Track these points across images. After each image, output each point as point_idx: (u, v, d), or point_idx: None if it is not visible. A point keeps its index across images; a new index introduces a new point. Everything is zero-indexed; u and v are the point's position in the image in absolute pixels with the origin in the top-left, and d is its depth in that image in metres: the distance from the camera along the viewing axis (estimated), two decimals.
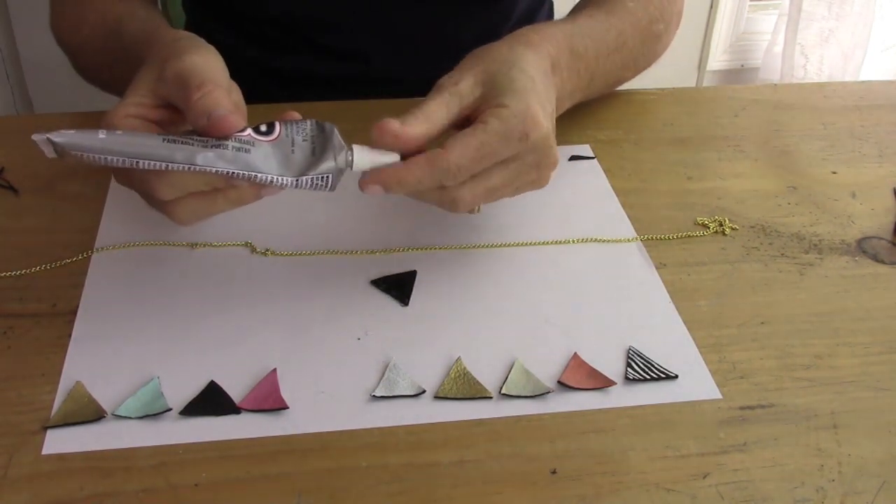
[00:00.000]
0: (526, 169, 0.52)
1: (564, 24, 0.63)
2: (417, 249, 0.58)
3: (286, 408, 0.47)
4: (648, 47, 0.71)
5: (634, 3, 0.69)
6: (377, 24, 0.81)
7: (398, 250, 0.58)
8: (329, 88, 0.79)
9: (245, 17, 0.83)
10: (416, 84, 0.80)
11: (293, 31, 0.82)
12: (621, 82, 0.72)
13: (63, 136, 0.44)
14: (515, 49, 0.56)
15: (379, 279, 0.55)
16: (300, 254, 0.57)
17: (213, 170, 0.46)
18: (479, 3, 0.83)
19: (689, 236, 0.60)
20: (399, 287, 0.55)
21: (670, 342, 0.52)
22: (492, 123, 0.50)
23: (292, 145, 0.48)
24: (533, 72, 0.54)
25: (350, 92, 0.75)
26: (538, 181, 0.54)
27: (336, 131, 0.49)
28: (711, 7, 1.90)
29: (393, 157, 0.50)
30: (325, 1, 0.79)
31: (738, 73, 2.06)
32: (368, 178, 0.50)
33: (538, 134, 0.51)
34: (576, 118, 0.71)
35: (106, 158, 0.45)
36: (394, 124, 0.50)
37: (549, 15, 0.96)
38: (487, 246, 0.59)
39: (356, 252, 0.57)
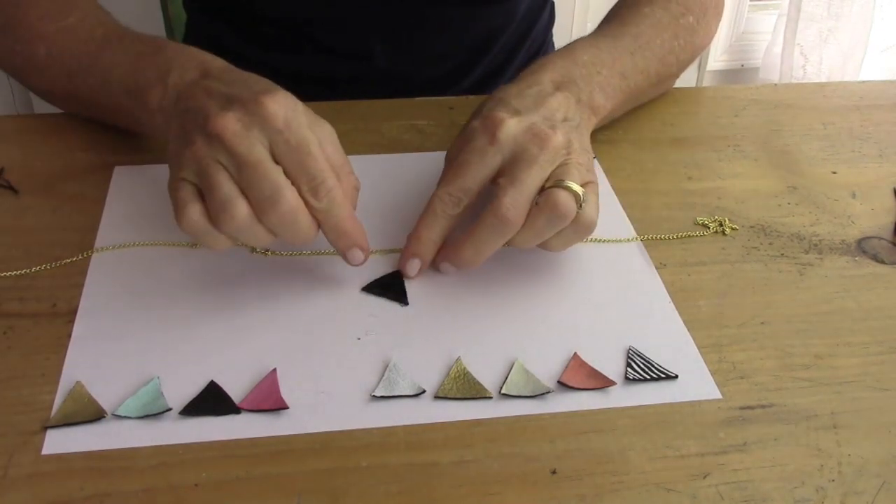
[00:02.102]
0: (540, 162, 0.52)
1: (561, 50, 0.64)
2: None
3: (286, 408, 0.47)
4: (685, 40, 0.71)
5: (650, 8, 0.70)
6: (380, 24, 0.81)
7: (399, 250, 0.57)
8: (331, 87, 0.79)
9: (246, 15, 0.83)
10: (418, 83, 0.81)
11: (294, 31, 0.82)
12: (670, 76, 0.72)
13: None
14: (504, 87, 0.59)
15: (369, 285, 0.55)
16: (300, 254, 0.57)
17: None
18: (483, 3, 0.83)
19: (689, 236, 0.60)
20: (390, 289, 0.55)
21: (670, 342, 0.52)
22: (464, 144, 0.54)
23: None
24: (507, 96, 0.56)
25: (352, 91, 0.75)
26: (567, 167, 0.53)
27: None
28: None
29: None
30: (329, 0, 0.79)
31: (737, 73, 2.06)
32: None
33: (503, 131, 0.53)
34: None
35: None
36: (409, 252, 0.55)
37: (551, 16, 0.96)
38: None
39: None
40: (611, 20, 0.70)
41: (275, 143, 0.49)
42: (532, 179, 0.52)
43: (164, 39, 0.61)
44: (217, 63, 0.57)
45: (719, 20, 0.77)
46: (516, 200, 0.51)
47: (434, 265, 0.55)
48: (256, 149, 0.49)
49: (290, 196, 0.48)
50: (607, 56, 0.64)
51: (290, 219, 0.49)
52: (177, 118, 0.53)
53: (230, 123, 0.49)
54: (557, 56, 0.62)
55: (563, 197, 0.51)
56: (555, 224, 0.52)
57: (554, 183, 0.52)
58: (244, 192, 0.48)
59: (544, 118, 0.55)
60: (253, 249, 0.57)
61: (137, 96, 0.57)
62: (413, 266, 0.55)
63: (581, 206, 0.52)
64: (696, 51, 0.74)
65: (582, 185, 0.52)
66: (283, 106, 0.50)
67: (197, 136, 0.49)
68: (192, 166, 0.49)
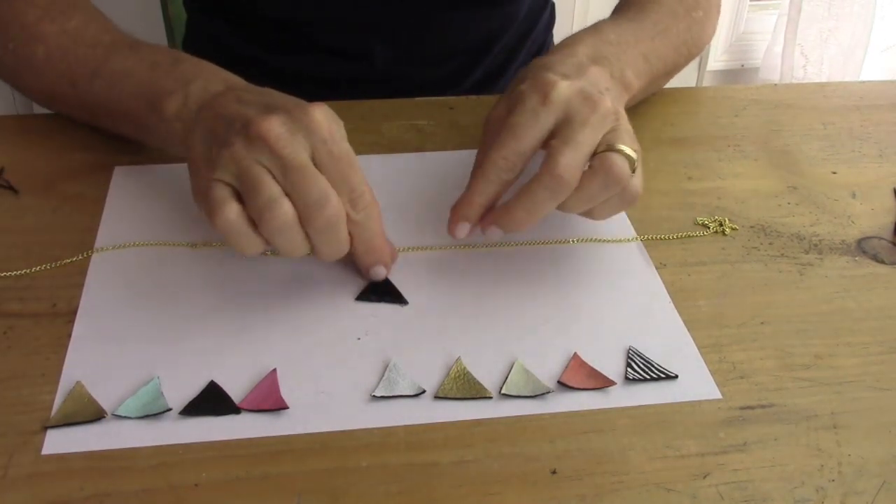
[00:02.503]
0: (593, 124, 0.52)
1: (588, 29, 0.64)
2: (418, 249, 0.58)
3: (286, 408, 0.47)
4: (695, 32, 0.72)
5: None
6: (381, 25, 0.81)
7: (399, 250, 0.57)
8: (331, 88, 0.79)
9: (246, 16, 0.83)
10: (419, 84, 0.81)
11: (295, 31, 0.82)
12: (678, 67, 0.73)
13: None
14: (540, 59, 0.59)
15: (363, 293, 0.54)
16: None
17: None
18: (485, 5, 0.83)
19: (689, 236, 0.60)
20: (386, 293, 0.54)
21: (670, 342, 0.52)
22: (514, 107, 0.54)
23: None
24: (555, 63, 0.56)
25: (352, 92, 0.75)
26: (618, 132, 0.53)
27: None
28: None
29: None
30: (329, 1, 0.79)
31: (738, 73, 2.06)
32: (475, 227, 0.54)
33: (557, 92, 0.53)
34: None
35: None
36: (457, 215, 0.54)
37: (551, 16, 0.96)
38: (488, 246, 0.58)
39: None
40: (629, 6, 0.71)
41: (318, 151, 0.49)
42: (587, 140, 0.51)
43: (179, 52, 0.61)
44: (239, 80, 0.57)
45: (718, 19, 0.77)
46: (572, 160, 0.50)
47: (481, 228, 0.54)
48: (302, 153, 0.49)
49: (336, 202, 0.48)
50: (631, 37, 0.64)
51: (334, 224, 0.49)
52: (202, 124, 0.53)
53: (275, 126, 0.48)
54: (586, 34, 0.62)
55: (618, 160, 0.51)
56: (609, 188, 0.51)
57: (607, 147, 0.52)
58: (288, 196, 0.48)
59: (591, 84, 0.55)
60: None
61: (153, 103, 0.57)
62: (462, 229, 0.54)
63: (635, 168, 0.52)
64: (701, 46, 0.75)
65: None
66: (327, 116, 0.50)
67: (235, 139, 0.49)
68: (230, 167, 0.48)
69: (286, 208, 0.48)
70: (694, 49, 0.73)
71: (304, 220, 0.48)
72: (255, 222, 0.48)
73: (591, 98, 0.52)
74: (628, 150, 0.51)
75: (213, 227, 0.49)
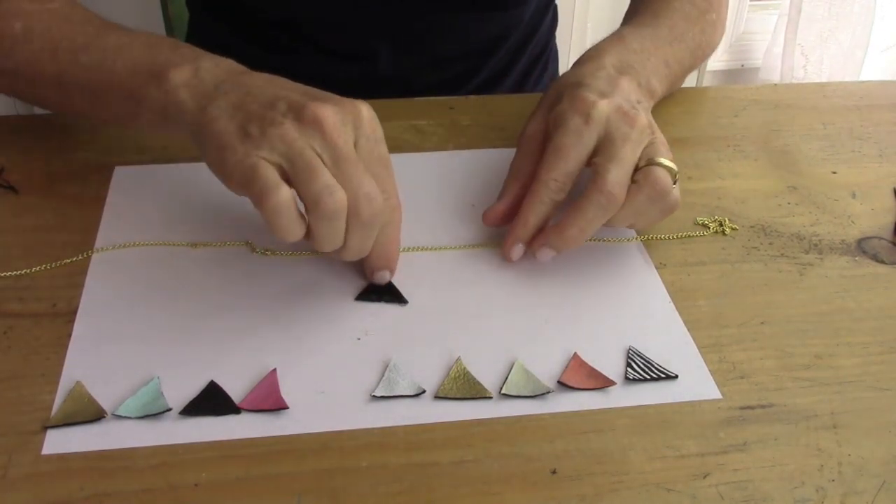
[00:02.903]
0: (633, 140, 0.54)
1: (611, 38, 0.65)
2: (418, 250, 0.58)
3: (286, 408, 0.47)
4: (708, 35, 0.74)
5: (679, 2, 0.72)
6: (385, 28, 0.81)
7: (399, 250, 0.57)
8: (335, 89, 0.78)
9: (249, 17, 0.83)
10: (422, 87, 0.81)
11: (299, 34, 0.82)
12: (692, 68, 0.74)
13: None
14: (571, 73, 0.60)
15: (362, 293, 0.54)
16: (300, 254, 0.57)
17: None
18: (490, 7, 0.83)
19: (689, 236, 0.60)
20: (386, 292, 0.54)
21: (670, 342, 0.52)
22: (557, 128, 0.55)
23: None
24: (586, 77, 0.58)
25: (355, 94, 0.75)
26: (655, 146, 0.55)
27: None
28: None
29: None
30: (332, 3, 0.79)
31: (738, 73, 2.06)
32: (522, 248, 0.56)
33: (597, 111, 0.55)
34: None
35: None
36: (493, 211, 0.58)
37: (554, 18, 0.95)
38: (488, 246, 0.58)
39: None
40: (642, 12, 0.71)
41: (361, 148, 0.50)
42: (629, 156, 0.53)
43: (178, 41, 0.60)
44: (251, 71, 0.56)
45: (726, 19, 0.78)
46: (619, 176, 0.52)
47: (532, 252, 0.56)
48: (351, 145, 0.49)
49: (382, 200, 0.49)
50: (651, 44, 0.66)
51: (376, 220, 0.49)
52: (227, 97, 0.51)
53: (329, 113, 0.49)
54: (610, 43, 0.64)
55: (661, 173, 0.53)
56: (654, 200, 0.53)
57: (647, 161, 0.53)
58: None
59: (625, 99, 0.56)
60: (253, 249, 0.57)
61: (155, 73, 0.55)
62: (518, 251, 0.56)
63: (676, 179, 0.54)
64: (714, 47, 0.76)
65: None
66: (373, 115, 0.51)
67: (285, 120, 0.48)
68: (279, 147, 0.48)
69: (341, 196, 0.47)
70: (707, 50, 0.74)
71: (350, 211, 0.48)
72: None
73: (628, 115, 0.55)
74: (668, 163, 0.54)
75: (258, 206, 0.47)
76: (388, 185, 0.51)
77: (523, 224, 0.55)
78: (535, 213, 0.55)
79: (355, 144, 0.50)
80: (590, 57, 0.62)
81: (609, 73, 0.59)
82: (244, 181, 0.48)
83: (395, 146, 0.68)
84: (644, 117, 0.55)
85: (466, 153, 0.67)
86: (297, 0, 0.78)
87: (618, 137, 0.54)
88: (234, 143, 0.49)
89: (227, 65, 0.55)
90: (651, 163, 0.53)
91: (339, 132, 0.49)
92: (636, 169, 0.54)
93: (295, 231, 0.48)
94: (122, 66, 0.58)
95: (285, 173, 0.48)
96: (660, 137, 0.55)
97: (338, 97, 0.51)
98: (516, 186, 0.57)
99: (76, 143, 0.67)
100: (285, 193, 0.47)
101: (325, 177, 0.47)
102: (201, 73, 0.54)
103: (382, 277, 0.54)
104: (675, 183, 0.54)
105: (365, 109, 0.51)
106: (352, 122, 0.50)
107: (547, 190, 0.55)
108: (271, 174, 0.47)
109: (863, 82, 0.81)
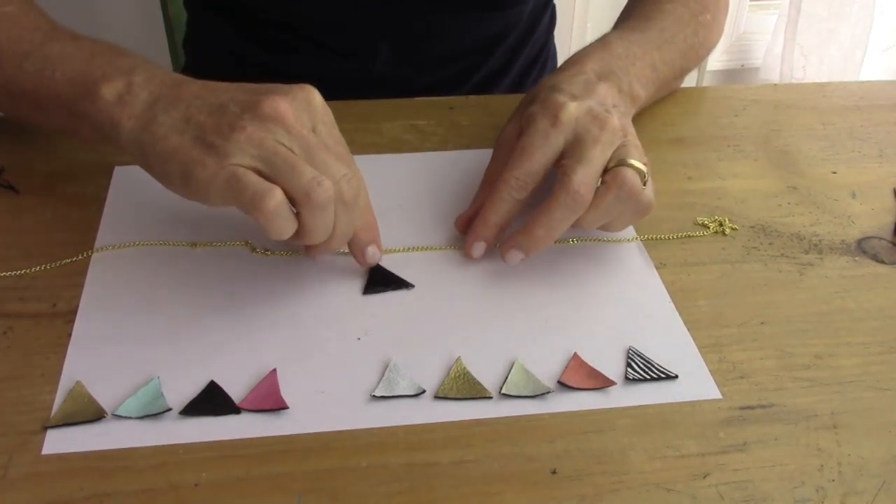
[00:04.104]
0: (602, 142, 0.54)
1: (596, 43, 0.65)
2: (418, 249, 0.58)
3: (286, 408, 0.47)
4: (702, 36, 0.73)
5: (671, 5, 0.72)
6: (384, 28, 0.81)
7: (399, 250, 0.57)
8: (333, 88, 0.78)
9: (248, 17, 0.83)
10: (421, 86, 0.81)
11: (297, 33, 0.82)
12: (686, 70, 0.74)
13: None
14: (550, 78, 0.60)
15: (368, 287, 0.55)
16: (300, 254, 0.57)
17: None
18: (488, 8, 0.83)
19: (689, 236, 0.60)
20: (391, 281, 0.55)
21: (670, 342, 0.52)
22: (525, 129, 0.56)
23: None
24: (563, 82, 0.58)
25: (355, 93, 0.75)
26: (626, 148, 0.54)
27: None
28: None
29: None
30: (331, 2, 0.79)
31: (737, 73, 2.06)
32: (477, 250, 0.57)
33: (566, 113, 0.55)
34: None
35: None
36: (463, 216, 0.58)
37: (552, 17, 0.96)
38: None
39: None
40: (635, 15, 0.72)
41: (319, 132, 0.50)
42: (598, 157, 0.53)
43: (122, 47, 0.58)
44: (188, 78, 0.55)
45: (726, 18, 0.78)
46: (586, 177, 0.52)
47: (501, 254, 0.56)
48: (312, 133, 0.49)
49: (358, 177, 0.50)
50: (638, 49, 0.65)
51: (359, 200, 0.50)
52: (169, 113, 0.50)
53: (287, 106, 0.49)
54: (594, 49, 0.64)
55: (629, 174, 0.53)
56: (623, 201, 0.53)
57: (617, 162, 0.53)
58: None
59: (599, 103, 0.56)
60: (253, 249, 0.57)
61: (88, 88, 0.54)
62: (479, 248, 0.56)
63: (646, 181, 0.54)
64: (710, 48, 0.76)
65: None
66: (321, 97, 0.52)
67: (243, 122, 0.48)
68: (251, 150, 0.48)
69: (328, 185, 0.48)
70: (702, 51, 0.74)
71: (336, 196, 0.49)
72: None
73: (599, 117, 0.55)
74: (638, 164, 0.54)
75: (253, 212, 0.47)
76: (352, 163, 0.51)
77: (483, 222, 0.56)
78: (495, 210, 0.55)
79: (314, 130, 0.50)
80: (572, 62, 0.62)
81: (588, 78, 0.59)
82: (229, 193, 0.48)
83: (395, 146, 0.68)
84: (616, 120, 0.55)
85: (466, 153, 0.67)
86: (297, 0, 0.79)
87: (587, 139, 0.54)
88: (199, 157, 0.48)
89: (161, 77, 0.54)
90: (621, 164, 0.53)
91: (301, 122, 0.49)
92: (605, 170, 0.54)
93: (290, 228, 0.49)
94: (60, 77, 0.56)
95: (262, 174, 0.48)
96: (633, 141, 0.55)
97: (283, 86, 0.51)
98: (487, 192, 0.57)
99: (76, 143, 0.66)
100: (279, 194, 0.47)
101: (308, 169, 0.48)
102: (134, 88, 0.53)
103: (374, 256, 0.54)
104: (645, 184, 0.54)
105: (315, 94, 0.51)
106: (306, 109, 0.50)
107: (508, 188, 0.54)
108: (256, 179, 0.47)
109: (863, 82, 0.81)
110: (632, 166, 0.53)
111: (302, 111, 0.50)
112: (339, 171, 0.49)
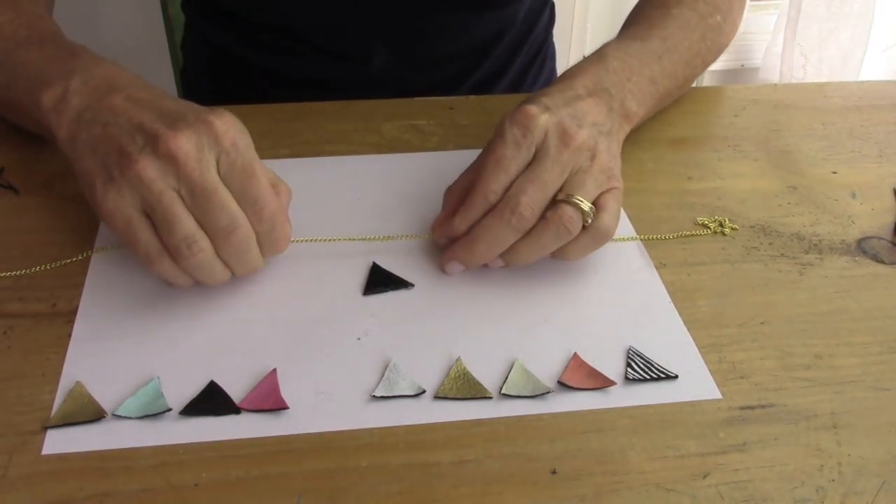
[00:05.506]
0: (562, 162, 0.53)
1: (592, 57, 0.64)
2: (415, 237, 0.58)
3: (286, 408, 0.47)
4: (711, 40, 0.72)
5: (678, 8, 0.70)
6: (381, 29, 0.81)
7: (398, 248, 0.57)
8: (329, 90, 0.79)
9: (245, 20, 0.83)
10: (419, 87, 0.81)
11: (294, 36, 0.82)
12: (691, 79, 0.72)
13: None
14: (538, 91, 0.59)
15: (367, 288, 0.55)
16: (300, 254, 0.57)
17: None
18: (483, 8, 0.83)
19: (689, 236, 0.60)
20: (390, 280, 0.55)
21: (670, 342, 0.52)
22: (495, 138, 0.54)
23: None
24: (545, 96, 0.56)
25: (350, 93, 0.75)
26: (584, 174, 0.53)
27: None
28: None
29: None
30: (327, 5, 0.79)
31: (738, 73, 2.06)
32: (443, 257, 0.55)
33: (535, 124, 0.53)
34: None
35: None
36: (451, 252, 0.55)
37: (551, 16, 0.95)
38: None
39: (356, 255, 0.57)
40: (639, 21, 0.70)
41: (221, 163, 0.49)
42: (552, 180, 0.52)
43: (84, 48, 0.59)
44: (127, 75, 0.55)
45: (743, 14, 0.77)
46: (534, 200, 0.52)
47: (441, 264, 0.56)
48: (211, 174, 0.48)
49: (244, 225, 0.49)
50: (636, 62, 0.63)
51: (245, 248, 0.49)
52: (90, 129, 0.51)
53: (183, 144, 0.47)
54: (589, 63, 0.62)
55: (568, 212, 0.52)
56: (560, 238, 0.52)
57: (565, 196, 0.52)
58: (198, 221, 0.48)
59: (572, 116, 0.55)
60: None
61: (34, 94, 0.55)
62: (455, 268, 0.56)
63: (588, 221, 0.52)
64: (721, 49, 0.74)
65: (603, 193, 0.53)
66: (230, 125, 0.49)
67: (140, 157, 0.48)
68: (140, 190, 0.48)
69: (200, 246, 0.48)
70: (709, 56, 0.72)
71: (217, 246, 0.49)
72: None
73: (567, 132, 0.53)
74: (583, 204, 0.52)
75: (143, 262, 0.49)
76: (258, 192, 0.49)
77: (455, 235, 0.55)
78: (468, 220, 0.54)
79: (218, 162, 0.49)
80: (564, 77, 0.60)
81: (576, 94, 0.57)
82: (124, 237, 0.49)
83: (395, 146, 0.68)
84: (584, 137, 0.53)
85: (466, 153, 0.67)
86: (293, 2, 0.78)
87: (547, 157, 0.52)
88: (101, 188, 0.49)
89: (96, 80, 0.54)
90: (566, 199, 0.52)
91: (195, 163, 0.48)
92: (554, 199, 0.52)
93: (186, 282, 0.51)
94: (21, 86, 0.57)
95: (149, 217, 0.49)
96: (599, 163, 0.53)
97: (193, 113, 0.49)
98: (459, 203, 0.55)
99: None
100: (166, 263, 0.49)
101: (183, 226, 0.48)
102: (68, 94, 0.53)
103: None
104: (585, 224, 0.52)
105: (218, 122, 0.49)
106: (207, 142, 0.48)
107: (487, 203, 0.53)
108: (147, 238, 0.48)
109: (863, 82, 0.81)
110: (574, 204, 0.52)
111: (202, 146, 0.48)
112: (219, 221, 0.48)
